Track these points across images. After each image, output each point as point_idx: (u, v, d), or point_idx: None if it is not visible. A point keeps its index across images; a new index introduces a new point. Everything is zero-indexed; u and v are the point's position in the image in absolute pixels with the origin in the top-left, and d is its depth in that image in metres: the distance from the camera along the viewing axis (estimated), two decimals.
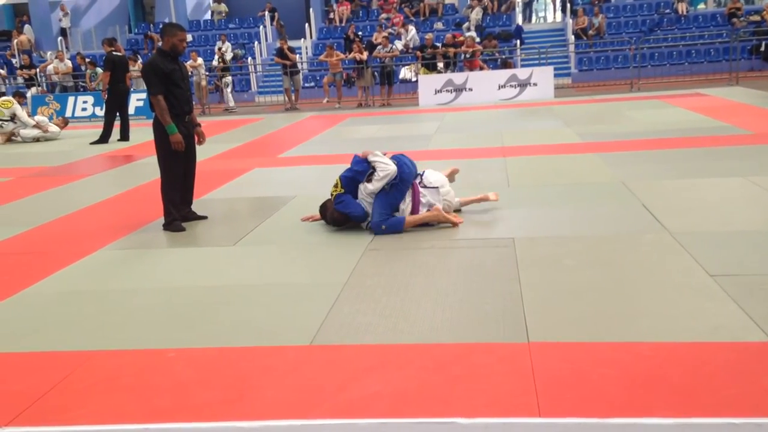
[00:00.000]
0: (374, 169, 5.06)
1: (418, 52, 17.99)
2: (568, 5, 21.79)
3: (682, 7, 20.92)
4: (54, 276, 4.57)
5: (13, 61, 22.41)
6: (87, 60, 19.38)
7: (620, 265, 4.13)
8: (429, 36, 18.24)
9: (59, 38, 23.83)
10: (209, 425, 1.38)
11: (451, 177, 5.66)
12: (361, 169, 5.14)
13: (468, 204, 5.57)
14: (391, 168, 5.01)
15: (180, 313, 3.79)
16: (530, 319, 3.37)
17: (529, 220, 5.24)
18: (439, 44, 18.21)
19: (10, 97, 13.41)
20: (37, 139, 12.95)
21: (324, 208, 5.32)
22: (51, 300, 4.13)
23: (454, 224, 5.11)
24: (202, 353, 3.23)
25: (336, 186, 5.22)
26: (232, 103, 18.05)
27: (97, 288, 4.31)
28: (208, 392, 2.84)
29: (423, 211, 5.14)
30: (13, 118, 12.88)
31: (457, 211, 5.48)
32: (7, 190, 7.98)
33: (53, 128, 13.34)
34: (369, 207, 5.10)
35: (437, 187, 5.21)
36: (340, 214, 5.14)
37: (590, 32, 20.14)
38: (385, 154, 5.22)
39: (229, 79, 18.46)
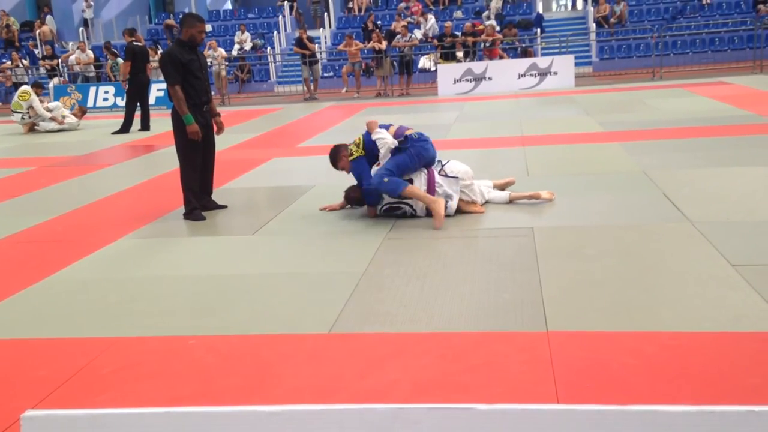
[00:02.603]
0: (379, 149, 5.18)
1: (437, 41, 17.91)
2: None
3: None
4: (76, 264, 4.62)
5: (36, 51, 22.63)
6: (110, 50, 19.51)
7: (641, 255, 4.10)
8: (448, 25, 18.12)
9: (80, 29, 24.02)
10: (229, 409, 1.39)
11: (503, 186, 5.62)
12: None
13: (518, 199, 5.35)
14: (389, 139, 5.14)
15: (200, 300, 3.83)
16: (549, 308, 3.36)
17: (549, 209, 5.21)
18: (458, 33, 18.11)
19: (28, 88, 13.25)
20: (58, 130, 13.03)
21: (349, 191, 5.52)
22: (74, 287, 4.19)
23: (436, 223, 4.81)
24: (222, 340, 3.27)
25: (358, 146, 5.29)
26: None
27: (119, 276, 4.36)
28: (229, 379, 2.87)
29: None
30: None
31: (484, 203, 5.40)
32: (30, 179, 8.08)
33: (70, 119, 13.33)
34: None
35: (457, 177, 5.17)
36: (356, 191, 5.35)
37: (612, 20, 19.91)
38: (408, 130, 5.28)
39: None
